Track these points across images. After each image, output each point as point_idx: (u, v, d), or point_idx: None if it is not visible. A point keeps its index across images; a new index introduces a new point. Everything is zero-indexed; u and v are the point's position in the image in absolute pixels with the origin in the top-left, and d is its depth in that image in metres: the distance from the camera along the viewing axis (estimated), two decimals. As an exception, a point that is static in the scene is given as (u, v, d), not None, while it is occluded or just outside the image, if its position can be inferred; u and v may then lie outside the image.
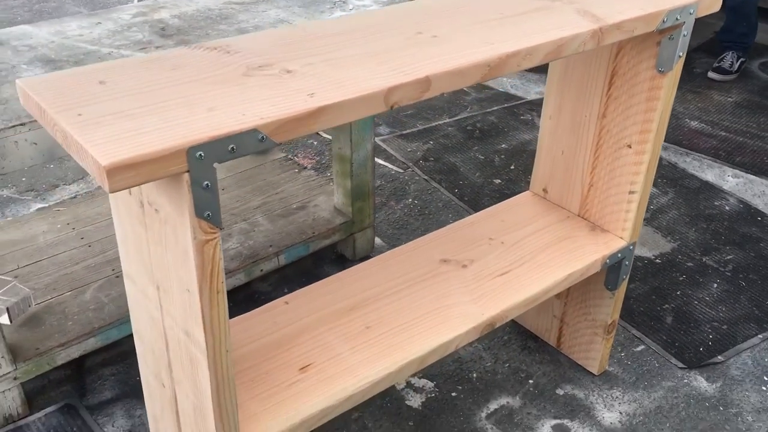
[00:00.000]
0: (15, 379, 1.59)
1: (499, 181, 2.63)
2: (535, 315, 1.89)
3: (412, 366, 1.27)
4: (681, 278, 2.14)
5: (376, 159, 2.75)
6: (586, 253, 1.54)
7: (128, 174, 0.76)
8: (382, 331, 1.32)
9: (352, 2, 1.97)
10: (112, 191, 0.76)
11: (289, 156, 2.42)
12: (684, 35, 1.35)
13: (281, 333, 1.30)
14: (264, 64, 1.01)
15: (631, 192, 1.53)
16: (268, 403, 1.16)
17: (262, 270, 1.94)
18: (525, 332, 1.92)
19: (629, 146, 1.50)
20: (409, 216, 2.41)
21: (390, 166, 2.71)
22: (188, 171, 0.82)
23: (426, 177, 2.64)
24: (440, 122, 3.06)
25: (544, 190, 1.73)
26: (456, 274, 1.47)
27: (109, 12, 2.01)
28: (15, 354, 1.60)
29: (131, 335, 1.75)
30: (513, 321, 1.96)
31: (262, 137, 0.86)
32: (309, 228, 2.05)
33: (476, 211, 1.88)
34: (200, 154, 0.82)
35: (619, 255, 1.58)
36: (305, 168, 2.35)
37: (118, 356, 1.85)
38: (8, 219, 2.30)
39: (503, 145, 2.87)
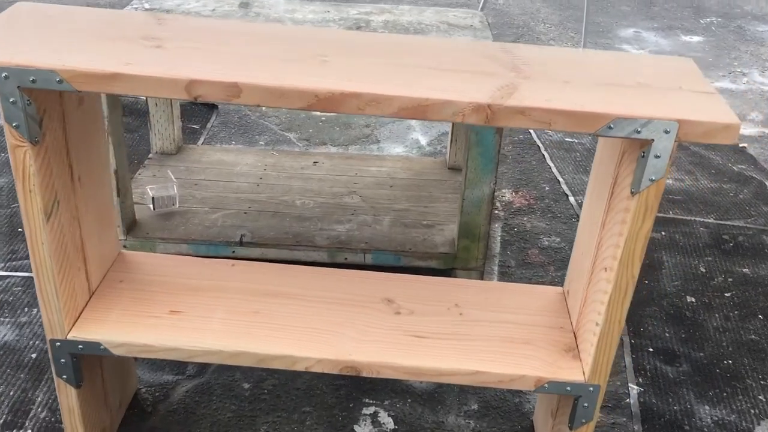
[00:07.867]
0: (125, 247, 2.07)
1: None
2: (542, 426, 1.66)
3: (249, 359, 1.33)
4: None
5: (583, 225, 2.55)
6: (526, 366, 1.34)
7: (-55, 68, 1.06)
8: (259, 321, 1.40)
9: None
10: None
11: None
12: (656, 156, 1.08)
13: (196, 282, 1.48)
14: (160, 38, 1.19)
15: (596, 324, 1.27)
16: (123, 317, 1.37)
17: (346, 258, 2.08)
18: (531, 440, 1.70)
19: (605, 269, 1.25)
20: (555, 287, 2.24)
21: (590, 236, 2.50)
22: (-4, 84, 1.08)
23: (614, 261, 2.37)
24: (697, 219, 2.66)
25: (567, 291, 1.51)
26: (381, 316, 1.44)
27: (349, 5, 2.32)
28: (128, 229, 2.07)
29: (216, 256, 2.09)
30: (532, 422, 1.74)
31: (60, 80, 1.07)
32: (411, 243, 2.10)
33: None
34: (5, 75, 1.07)
35: (569, 388, 1.32)
36: (475, 198, 2.36)
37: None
38: (245, 147, 2.81)
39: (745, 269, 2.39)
